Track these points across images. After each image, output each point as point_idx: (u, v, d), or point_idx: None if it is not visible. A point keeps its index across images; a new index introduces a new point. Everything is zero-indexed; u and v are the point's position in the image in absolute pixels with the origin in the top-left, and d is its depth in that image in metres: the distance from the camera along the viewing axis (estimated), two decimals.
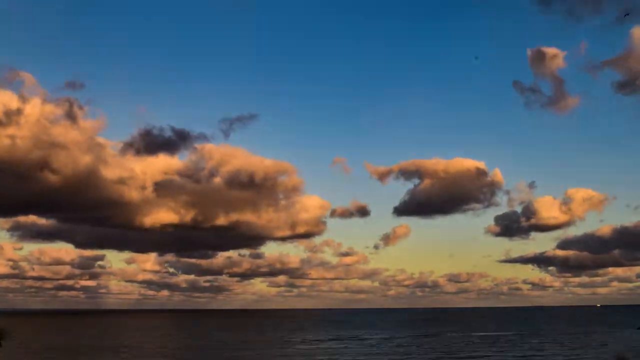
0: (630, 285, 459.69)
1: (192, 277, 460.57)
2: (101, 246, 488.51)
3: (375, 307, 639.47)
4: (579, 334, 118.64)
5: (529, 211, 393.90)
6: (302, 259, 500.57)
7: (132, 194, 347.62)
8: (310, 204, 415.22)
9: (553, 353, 75.40)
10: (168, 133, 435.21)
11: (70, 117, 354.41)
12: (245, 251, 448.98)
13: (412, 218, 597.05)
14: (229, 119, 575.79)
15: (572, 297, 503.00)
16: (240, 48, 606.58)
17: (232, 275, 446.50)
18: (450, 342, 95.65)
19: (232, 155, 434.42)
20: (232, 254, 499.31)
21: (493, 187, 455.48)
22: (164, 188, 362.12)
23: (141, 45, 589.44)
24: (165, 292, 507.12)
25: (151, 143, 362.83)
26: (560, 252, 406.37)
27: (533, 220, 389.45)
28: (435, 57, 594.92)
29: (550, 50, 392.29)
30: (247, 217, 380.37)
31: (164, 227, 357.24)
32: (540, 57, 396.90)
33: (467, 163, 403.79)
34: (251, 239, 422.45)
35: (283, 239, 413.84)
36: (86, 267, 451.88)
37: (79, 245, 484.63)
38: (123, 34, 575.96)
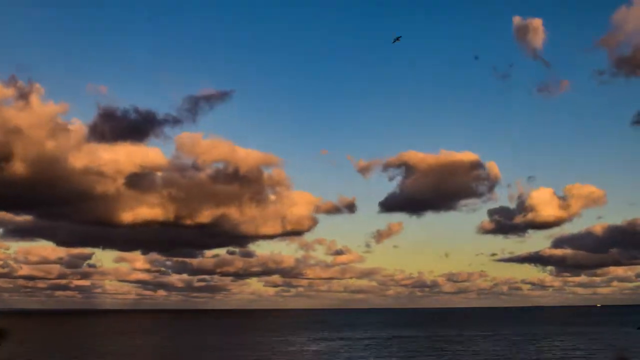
0: (630, 285, 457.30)
1: (184, 276, 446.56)
2: (83, 244, 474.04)
3: (374, 307, 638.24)
4: (578, 333, 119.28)
5: (524, 207, 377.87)
6: (295, 258, 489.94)
7: (106, 187, 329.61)
8: (299, 200, 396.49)
9: (552, 353, 75.87)
10: (132, 115, 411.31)
11: (24, 98, 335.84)
12: (234, 249, 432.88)
13: (401, 214, 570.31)
14: (193, 96, 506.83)
15: (572, 297, 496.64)
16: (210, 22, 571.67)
17: (224, 274, 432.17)
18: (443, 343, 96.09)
19: (214, 146, 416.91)
20: (220, 251, 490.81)
21: (486, 182, 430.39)
22: (140, 181, 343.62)
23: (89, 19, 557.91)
24: (161, 292, 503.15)
25: (116, 128, 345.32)
26: (558, 251, 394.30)
27: (529, 217, 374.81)
28: (421, 48, 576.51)
29: (534, 24, 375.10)
30: (233, 213, 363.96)
31: (144, 224, 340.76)
32: (524, 36, 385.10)
33: (459, 156, 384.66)
34: (239, 236, 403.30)
35: (272, 237, 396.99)
36: (75, 266, 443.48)
37: (60, 243, 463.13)
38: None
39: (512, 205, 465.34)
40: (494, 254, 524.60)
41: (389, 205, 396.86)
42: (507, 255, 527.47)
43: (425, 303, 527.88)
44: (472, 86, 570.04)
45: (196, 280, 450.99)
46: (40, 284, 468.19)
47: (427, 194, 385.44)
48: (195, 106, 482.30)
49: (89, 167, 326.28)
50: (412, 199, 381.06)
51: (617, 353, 71.16)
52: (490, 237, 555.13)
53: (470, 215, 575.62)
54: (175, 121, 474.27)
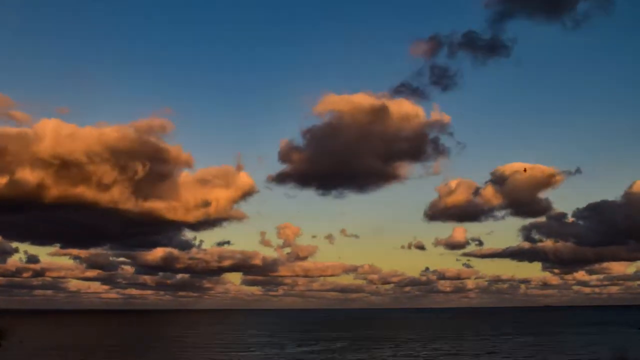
0: (630, 284, 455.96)
1: (151, 274, 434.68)
2: None
3: (372, 308, 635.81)
4: (578, 333, 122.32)
5: (495, 182, 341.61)
6: (254, 252, 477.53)
7: None
8: (217, 176, 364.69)
9: (552, 352, 78.69)
10: None
11: None
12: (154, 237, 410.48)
13: (338, 188, 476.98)
14: None
15: (576, 296, 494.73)
16: None
17: (179, 271, 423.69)
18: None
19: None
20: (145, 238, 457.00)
21: (441, 146, 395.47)
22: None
23: None
24: (147, 292, 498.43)
25: None
26: (547, 244, 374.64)
27: (500, 198, 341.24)
28: None
29: None
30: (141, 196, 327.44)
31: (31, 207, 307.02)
32: None
33: (402, 107, 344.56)
34: (163, 224, 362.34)
35: (194, 225, 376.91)
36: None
37: None
38: None
39: (479, 179, 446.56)
40: (457, 245, 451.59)
41: (314, 177, 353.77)
42: (477, 248, 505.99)
43: (426, 303, 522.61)
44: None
45: (161, 278, 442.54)
46: None
47: (361, 156, 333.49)
48: None
49: None
50: (343, 171, 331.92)
51: (617, 353, 73.42)
52: (446, 223, 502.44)
53: (420, 190, 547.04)
54: None
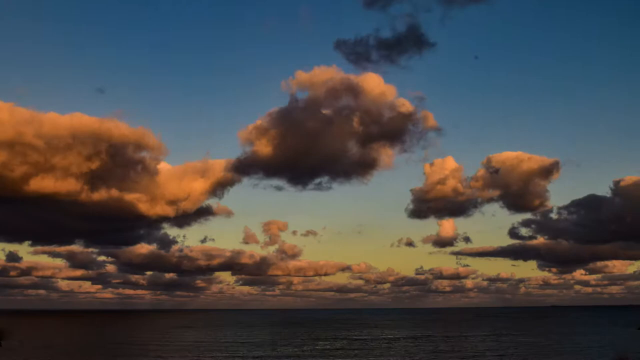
0: (631, 283, 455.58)
1: (115, 271, 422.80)
2: None
3: (371, 307, 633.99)
4: (578, 333, 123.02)
5: (486, 174, 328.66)
6: (239, 251, 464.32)
7: None
8: (188, 170, 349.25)
9: (554, 353, 79.69)
10: None
11: None
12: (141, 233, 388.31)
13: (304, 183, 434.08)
14: None
15: (572, 295, 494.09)
16: None
17: (160, 269, 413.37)
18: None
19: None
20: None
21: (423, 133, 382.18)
22: None
23: None
24: (141, 292, 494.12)
25: None
26: (539, 240, 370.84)
27: (492, 190, 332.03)
28: None
29: None
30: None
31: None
32: None
33: (374, 84, 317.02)
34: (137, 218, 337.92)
35: (172, 220, 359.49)
36: None
37: None
38: None
39: (467, 169, 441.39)
40: (446, 242, 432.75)
41: (287, 166, 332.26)
42: (470, 245, 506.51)
43: (429, 303, 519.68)
44: None
45: (152, 277, 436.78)
46: None
47: (335, 141, 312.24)
48: None
49: None
50: (317, 162, 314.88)
51: (617, 353, 74.05)
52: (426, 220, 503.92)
53: (402, 182, 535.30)
54: None
